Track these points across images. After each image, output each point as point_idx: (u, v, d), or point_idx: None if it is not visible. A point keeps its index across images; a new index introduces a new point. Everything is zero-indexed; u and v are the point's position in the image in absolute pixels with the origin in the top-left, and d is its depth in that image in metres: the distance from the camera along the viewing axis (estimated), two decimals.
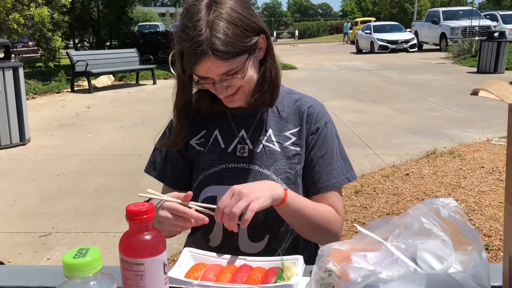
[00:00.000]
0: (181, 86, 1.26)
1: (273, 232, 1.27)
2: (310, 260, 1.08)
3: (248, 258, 1.08)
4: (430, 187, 4.04)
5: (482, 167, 4.48)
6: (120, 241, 0.83)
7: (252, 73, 1.20)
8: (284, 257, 1.05)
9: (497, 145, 5.30)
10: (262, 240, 1.27)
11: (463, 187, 4.00)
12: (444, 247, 0.89)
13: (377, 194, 3.93)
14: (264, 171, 1.27)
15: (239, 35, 1.12)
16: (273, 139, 1.31)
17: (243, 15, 1.14)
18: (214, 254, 1.11)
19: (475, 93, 0.64)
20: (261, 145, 1.30)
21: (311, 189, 1.33)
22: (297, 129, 1.32)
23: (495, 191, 3.87)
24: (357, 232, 0.92)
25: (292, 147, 1.30)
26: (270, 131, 1.32)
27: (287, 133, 1.32)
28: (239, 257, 1.08)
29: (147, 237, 0.82)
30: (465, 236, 0.86)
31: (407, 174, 4.39)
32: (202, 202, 1.25)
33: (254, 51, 1.19)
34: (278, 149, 1.30)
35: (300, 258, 1.05)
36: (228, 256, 1.09)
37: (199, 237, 1.33)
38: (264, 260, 1.07)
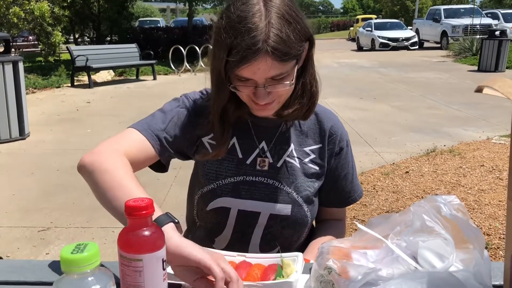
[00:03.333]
0: (220, 87, 1.10)
1: (284, 246, 1.24)
2: None
3: (248, 254, 1.07)
4: (430, 185, 4.04)
5: (482, 166, 4.47)
6: (118, 236, 0.83)
7: (294, 82, 1.11)
8: (284, 254, 1.04)
9: (497, 143, 5.29)
10: (272, 252, 1.25)
11: (463, 186, 4.00)
12: (446, 245, 0.89)
13: (377, 191, 3.93)
14: (284, 188, 1.22)
15: (296, 37, 1.02)
16: (294, 154, 1.24)
17: (298, 16, 1.06)
18: (212, 250, 1.10)
19: (479, 90, 0.64)
20: (282, 160, 1.23)
21: (331, 203, 1.35)
22: (317, 146, 1.27)
23: (494, 190, 3.86)
24: (356, 229, 0.91)
25: (311, 165, 1.26)
26: (292, 146, 1.25)
27: (307, 149, 1.26)
28: (238, 253, 1.08)
29: (146, 232, 0.81)
30: (466, 235, 0.86)
31: (407, 172, 4.38)
32: (212, 211, 1.23)
33: (301, 57, 1.10)
34: (298, 166, 1.24)
35: (300, 255, 1.04)
36: (226, 252, 1.08)
37: (203, 236, 1.29)
38: (264, 257, 1.06)
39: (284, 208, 1.22)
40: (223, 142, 1.18)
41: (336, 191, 1.32)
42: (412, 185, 4.06)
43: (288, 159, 1.23)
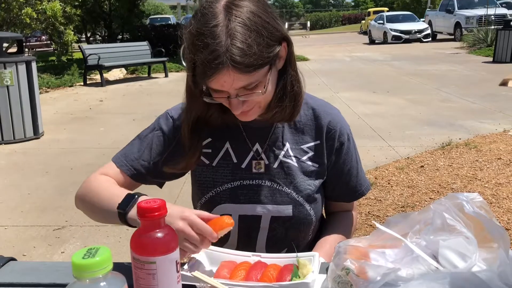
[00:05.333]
0: (191, 100, 1.14)
1: (292, 247, 1.22)
2: None
3: (263, 255, 1.05)
4: (446, 179, 3.98)
5: (499, 159, 4.40)
6: (131, 238, 0.81)
7: (271, 87, 1.08)
8: (300, 254, 1.02)
9: None
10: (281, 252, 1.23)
11: (480, 179, 3.93)
12: (468, 244, 0.86)
13: (392, 186, 3.88)
14: (283, 189, 1.20)
15: (262, 45, 0.99)
16: (291, 153, 1.21)
17: (265, 21, 1.01)
18: (228, 250, 1.08)
19: (504, 83, 0.61)
20: (278, 161, 1.21)
21: (338, 198, 1.33)
22: (315, 143, 1.23)
23: None
24: (371, 226, 0.89)
25: (310, 163, 1.22)
26: (287, 145, 1.22)
27: (304, 147, 1.23)
28: (253, 253, 1.06)
29: (159, 234, 0.80)
30: (490, 233, 0.83)
31: (422, 166, 4.33)
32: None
33: (275, 61, 1.06)
34: (296, 165, 1.21)
35: (316, 254, 1.02)
36: (242, 253, 1.07)
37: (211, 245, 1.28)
38: (279, 257, 1.04)
39: (285, 209, 1.19)
40: (191, 155, 1.19)
41: (342, 187, 1.29)
42: (427, 179, 4.00)
43: (284, 159, 1.21)
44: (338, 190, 1.30)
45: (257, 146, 1.21)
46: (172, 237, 0.81)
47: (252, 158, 1.21)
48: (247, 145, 1.21)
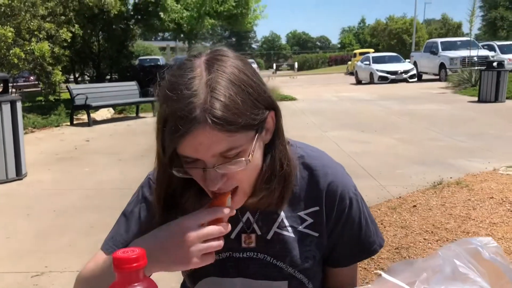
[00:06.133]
0: (160, 169, 0.95)
1: None
2: None
3: None
4: (439, 219, 3.90)
5: (491, 198, 4.34)
6: None
7: (258, 159, 0.92)
8: None
9: (505, 174, 5.17)
10: None
11: (473, 219, 3.85)
12: None
13: (385, 227, 3.78)
14: (278, 264, 1.05)
15: (248, 104, 0.84)
16: (286, 223, 1.06)
17: (252, 79, 0.87)
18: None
19: None
20: (272, 232, 1.06)
21: (337, 263, 1.13)
22: (314, 209, 1.07)
23: (507, 223, 3.72)
24: (365, 269, 0.80)
25: (310, 232, 1.07)
26: (282, 214, 1.06)
27: (302, 214, 1.07)
28: None
29: None
30: (511, 281, 0.74)
31: (414, 206, 4.25)
32: None
33: (262, 130, 0.90)
34: (292, 235, 1.06)
35: None
36: None
37: None
38: None
39: (280, 285, 1.06)
40: None
41: (339, 253, 1.11)
42: (420, 219, 3.92)
43: (278, 230, 1.05)
44: (337, 253, 1.12)
45: (247, 215, 1.06)
46: None
47: (242, 230, 1.07)
48: (236, 215, 1.01)
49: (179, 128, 0.80)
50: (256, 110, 0.86)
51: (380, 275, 0.87)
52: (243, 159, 0.86)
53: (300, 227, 1.06)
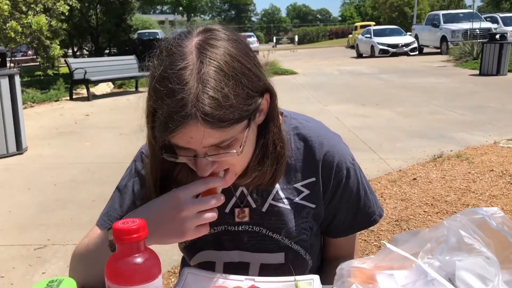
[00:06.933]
0: (152, 154, 0.96)
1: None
2: None
3: (257, 278, 0.95)
4: (439, 191, 3.90)
5: (491, 171, 4.34)
6: (106, 265, 0.70)
7: (249, 146, 0.91)
8: (298, 277, 0.92)
9: (505, 147, 5.16)
10: None
11: (473, 192, 3.86)
12: (488, 265, 0.76)
13: (385, 200, 3.79)
14: (273, 235, 1.04)
15: (241, 96, 0.82)
16: (281, 195, 1.04)
17: (246, 66, 0.84)
18: (218, 274, 0.97)
19: None
20: (267, 204, 1.04)
21: (335, 233, 1.13)
22: (310, 180, 1.05)
23: (506, 195, 3.73)
24: (365, 241, 0.80)
25: (305, 203, 1.05)
26: (277, 186, 1.04)
27: (298, 185, 1.05)
28: (246, 277, 0.95)
29: (138, 260, 0.69)
30: None
31: (414, 179, 4.25)
32: (197, 266, 1.08)
33: (255, 116, 0.89)
34: (288, 207, 1.04)
35: (316, 278, 0.92)
36: (234, 277, 0.96)
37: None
38: (275, 281, 0.94)
39: (277, 257, 1.05)
40: None
41: (337, 224, 1.11)
42: (420, 192, 3.92)
43: (273, 202, 1.04)
44: (332, 227, 1.12)
45: (242, 188, 1.04)
46: (153, 262, 0.70)
47: (236, 204, 1.05)
48: (229, 189, 1.02)
49: (169, 125, 0.79)
50: (250, 100, 0.84)
51: (384, 245, 0.86)
52: (234, 151, 0.86)
53: (297, 198, 1.05)
